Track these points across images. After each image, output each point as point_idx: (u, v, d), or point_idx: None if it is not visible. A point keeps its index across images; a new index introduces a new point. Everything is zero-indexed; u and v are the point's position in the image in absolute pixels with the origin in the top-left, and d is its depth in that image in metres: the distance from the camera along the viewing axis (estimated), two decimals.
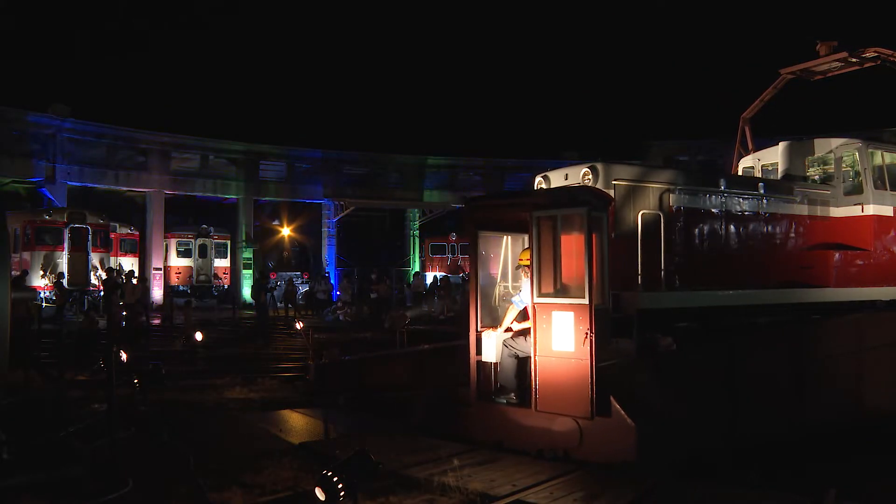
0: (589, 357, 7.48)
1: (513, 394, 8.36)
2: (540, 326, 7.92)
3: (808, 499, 6.05)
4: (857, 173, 11.37)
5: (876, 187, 11.24)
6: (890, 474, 7.69)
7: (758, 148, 13.90)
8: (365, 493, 5.88)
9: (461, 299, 30.04)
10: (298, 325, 20.77)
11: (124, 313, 21.36)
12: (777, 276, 10.44)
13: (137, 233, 33.15)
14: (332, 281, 35.54)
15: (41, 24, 59.49)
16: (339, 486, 5.26)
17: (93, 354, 13.14)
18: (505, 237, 9.51)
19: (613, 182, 8.96)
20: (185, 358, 15.75)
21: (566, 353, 7.67)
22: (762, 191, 10.52)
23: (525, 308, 8.49)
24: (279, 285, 33.18)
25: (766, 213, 10.46)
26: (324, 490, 5.26)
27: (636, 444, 7.12)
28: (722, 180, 10.27)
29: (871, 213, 11.17)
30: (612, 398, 7.32)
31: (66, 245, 26.90)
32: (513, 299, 8.81)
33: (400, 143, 42.78)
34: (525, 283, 8.43)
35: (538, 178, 10.02)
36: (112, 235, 29.88)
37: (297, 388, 12.50)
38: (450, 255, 39.64)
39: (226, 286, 36.08)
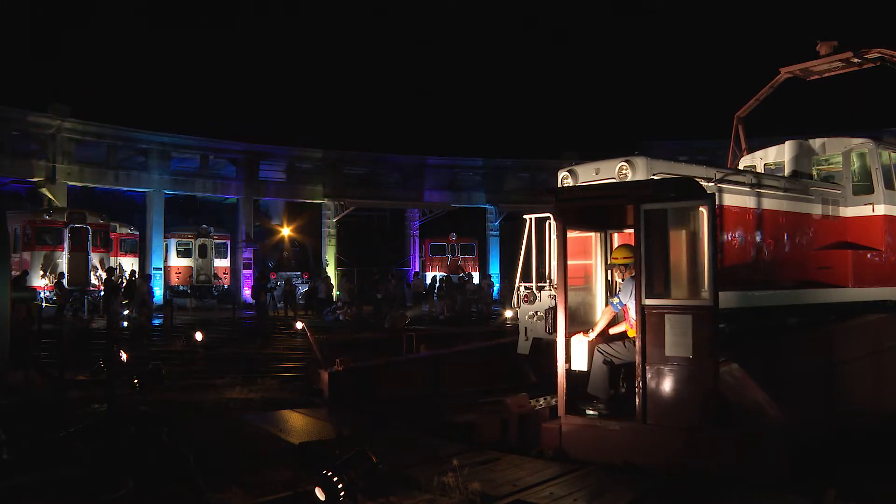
0: (712, 363, 7.00)
1: (601, 405, 7.80)
2: (649, 331, 7.29)
3: (808, 499, 6.04)
4: (866, 173, 11.38)
5: (886, 187, 11.26)
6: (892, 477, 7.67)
7: (752, 147, 13.90)
8: (365, 493, 5.88)
9: (461, 299, 30.13)
10: (298, 325, 20.78)
11: (126, 312, 21.38)
12: (797, 276, 10.41)
13: (137, 233, 33.18)
14: (331, 281, 35.56)
15: (41, 24, 59.51)
16: (339, 486, 5.26)
17: (93, 355, 13.15)
18: (526, 227, 9.03)
19: (653, 175, 8.49)
20: (186, 358, 15.75)
21: (682, 359, 7.11)
22: (785, 189, 10.47)
23: (621, 311, 7.99)
24: (279, 285, 33.21)
25: (788, 212, 10.41)
26: (324, 490, 5.27)
27: (765, 455, 6.79)
28: (750, 177, 10.14)
29: (882, 212, 11.19)
30: (738, 406, 6.98)
31: (66, 245, 26.93)
32: (610, 301, 8.25)
33: (400, 143, 42.80)
34: (625, 284, 7.90)
35: (563, 173, 9.55)
36: (112, 235, 29.90)
37: (297, 388, 12.48)
38: (450, 255, 39.69)
39: (226, 286, 36.10)
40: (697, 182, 7.88)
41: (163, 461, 7.39)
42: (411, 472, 6.91)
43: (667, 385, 7.20)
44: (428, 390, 11.26)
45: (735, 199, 9.61)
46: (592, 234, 9.13)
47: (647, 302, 7.32)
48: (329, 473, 5.28)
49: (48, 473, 6.87)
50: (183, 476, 6.83)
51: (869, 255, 11.16)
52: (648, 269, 7.34)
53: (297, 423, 9.70)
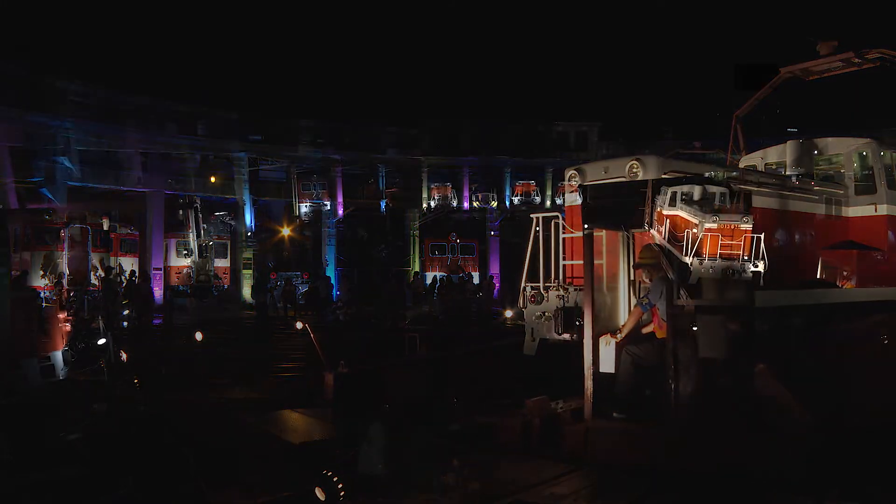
0: (746, 364, 6.92)
1: (628, 407, 7.64)
2: (681, 333, 7.12)
3: (810, 498, 6.04)
4: (868, 173, 11.38)
5: (888, 187, 11.26)
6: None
7: (751, 147, 13.88)
8: (365, 493, 5.88)
9: (461, 299, 30.10)
10: (298, 325, 20.76)
11: (126, 312, 21.36)
12: (803, 275, 10.37)
13: (137, 233, 33.15)
14: (332, 281, 35.54)
15: (41, 24, 59.52)
16: (339, 486, 5.27)
17: (95, 355, 13.15)
18: (533, 227, 8.90)
19: (664, 174, 8.32)
20: (186, 358, 15.75)
21: (715, 360, 6.96)
22: (792, 189, 10.41)
23: (650, 311, 7.82)
24: (279, 285, 33.20)
25: (794, 212, 10.34)
26: (324, 490, 5.28)
27: (796, 455, 6.67)
28: (758, 176, 10.09)
29: (885, 212, 11.16)
30: (764, 406, 6.91)
31: (66, 245, 26.88)
32: (639, 302, 8.09)
33: (400, 142, 42.74)
34: (654, 284, 7.70)
35: (570, 171, 9.39)
36: (112, 235, 29.87)
37: (297, 388, 12.48)
38: (450, 255, 39.65)
39: (226, 286, 36.07)
40: (729, 181, 7.80)
41: (163, 461, 7.40)
42: (411, 472, 6.91)
43: (698, 387, 7.03)
44: (433, 392, 11.22)
45: (748, 197, 9.56)
46: (603, 233, 8.99)
47: (680, 302, 7.18)
48: (329, 473, 5.29)
49: (48, 473, 6.88)
50: (183, 476, 6.83)
51: (872, 255, 11.15)
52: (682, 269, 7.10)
53: (297, 423, 9.70)
